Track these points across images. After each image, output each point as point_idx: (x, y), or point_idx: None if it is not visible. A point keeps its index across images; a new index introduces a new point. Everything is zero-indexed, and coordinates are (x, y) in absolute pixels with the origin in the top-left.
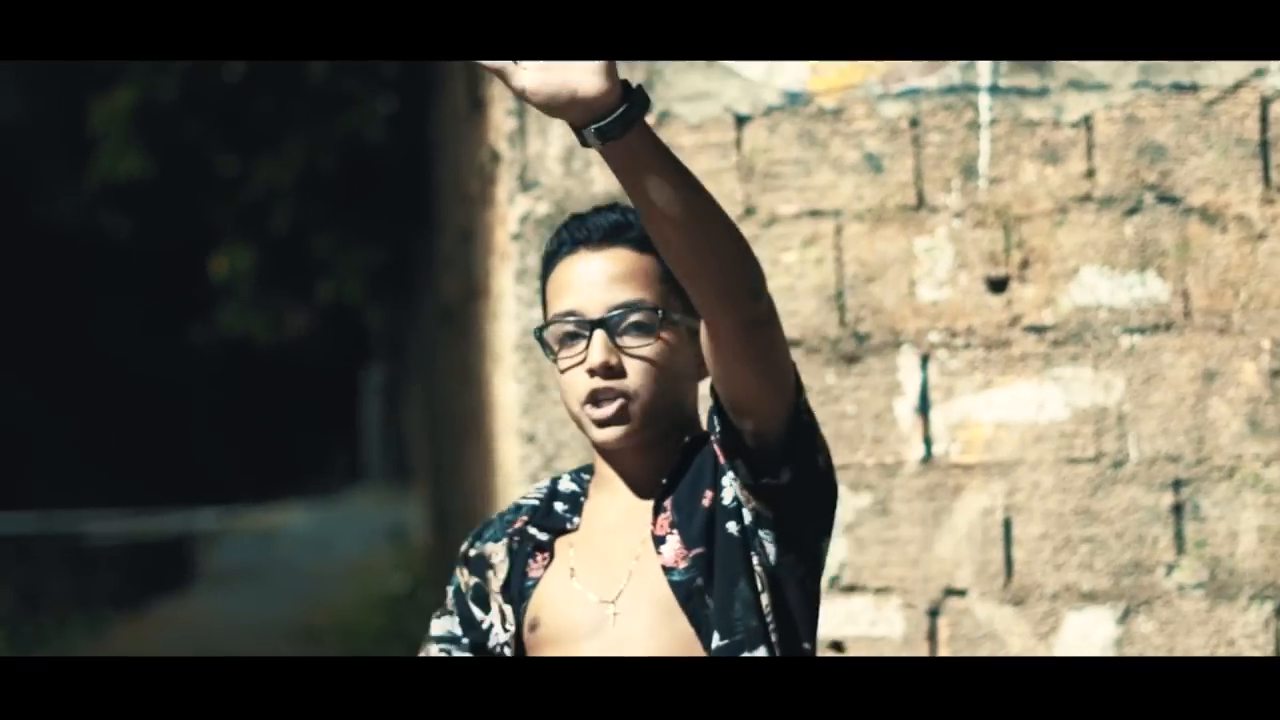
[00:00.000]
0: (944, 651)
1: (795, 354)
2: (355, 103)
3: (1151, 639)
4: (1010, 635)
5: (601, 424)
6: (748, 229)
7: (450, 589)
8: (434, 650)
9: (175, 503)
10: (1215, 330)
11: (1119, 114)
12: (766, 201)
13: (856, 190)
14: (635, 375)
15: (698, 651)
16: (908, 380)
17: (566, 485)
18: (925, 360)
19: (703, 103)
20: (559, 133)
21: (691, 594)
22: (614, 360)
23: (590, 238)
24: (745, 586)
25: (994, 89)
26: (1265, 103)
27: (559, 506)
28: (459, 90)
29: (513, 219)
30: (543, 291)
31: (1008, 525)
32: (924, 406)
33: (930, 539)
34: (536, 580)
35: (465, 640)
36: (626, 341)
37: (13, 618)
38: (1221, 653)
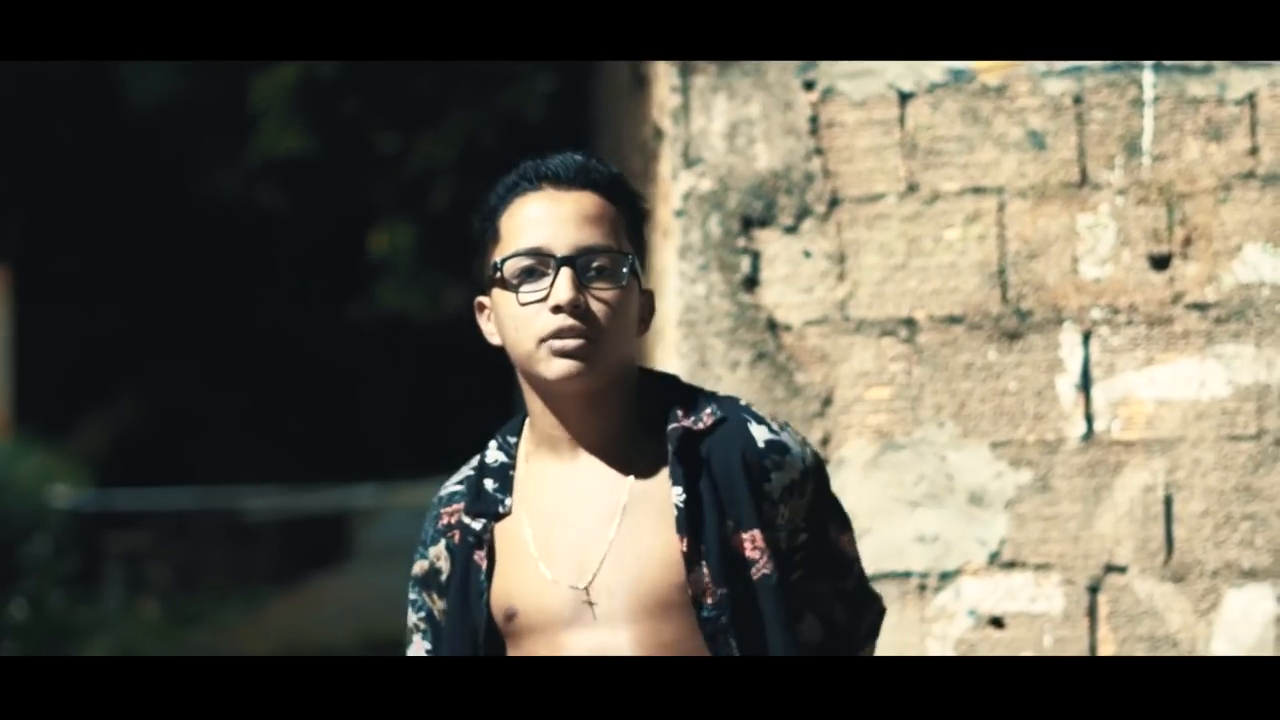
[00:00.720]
0: (1103, 629)
1: (957, 331)
2: (516, 79)
3: None
4: (1170, 612)
5: (561, 354)
6: (910, 206)
7: (415, 613)
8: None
9: (333, 479)
10: None
11: None
12: (929, 178)
13: (1019, 167)
14: (598, 318)
15: (687, 643)
16: (1069, 357)
17: (494, 456)
18: (1087, 337)
19: (866, 79)
20: (722, 108)
21: (718, 631)
22: (582, 298)
23: (558, 176)
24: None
25: (1158, 66)
26: None
27: (489, 485)
28: (621, 67)
29: (676, 195)
30: (491, 227)
31: (1168, 502)
32: (1085, 383)
33: (1091, 515)
34: (484, 576)
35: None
36: (592, 283)
37: (171, 593)
38: None
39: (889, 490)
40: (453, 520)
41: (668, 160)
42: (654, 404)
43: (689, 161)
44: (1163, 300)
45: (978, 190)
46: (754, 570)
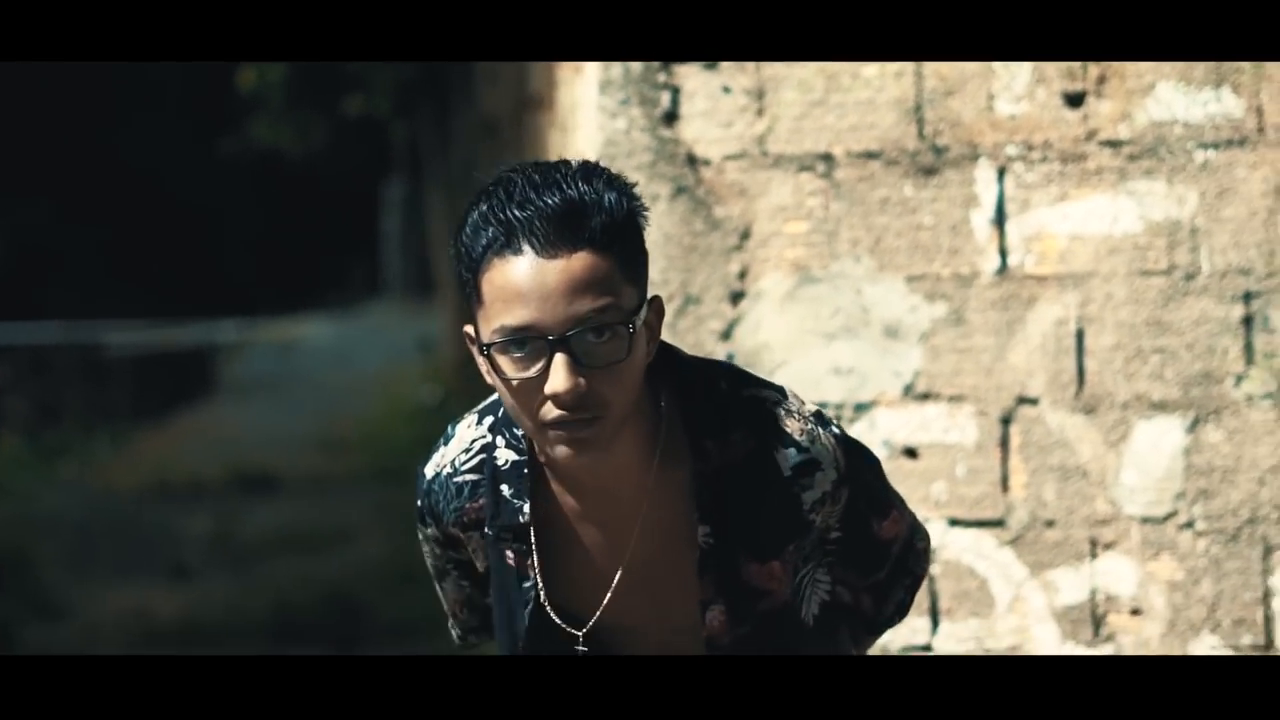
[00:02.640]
0: (1014, 459)
1: (874, 166)
2: None
3: (1219, 448)
4: (1081, 443)
5: (568, 445)
6: None
7: (435, 553)
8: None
9: (196, 314)
10: None
11: None
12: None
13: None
14: (605, 394)
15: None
16: (984, 192)
17: (504, 456)
18: (1002, 173)
19: None
20: None
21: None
22: (582, 384)
23: (541, 237)
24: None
25: None
26: None
27: (506, 491)
28: None
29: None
30: (472, 288)
31: (1080, 335)
32: (1000, 218)
33: (1004, 348)
34: (530, 587)
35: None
36: (593, 360)
37: (32, 427)
38: None
39: (805, 323)
40: (476, 518)
41: None
42: (675, 424)
43: None
44: (1077, 137)
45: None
46: (768, 601)
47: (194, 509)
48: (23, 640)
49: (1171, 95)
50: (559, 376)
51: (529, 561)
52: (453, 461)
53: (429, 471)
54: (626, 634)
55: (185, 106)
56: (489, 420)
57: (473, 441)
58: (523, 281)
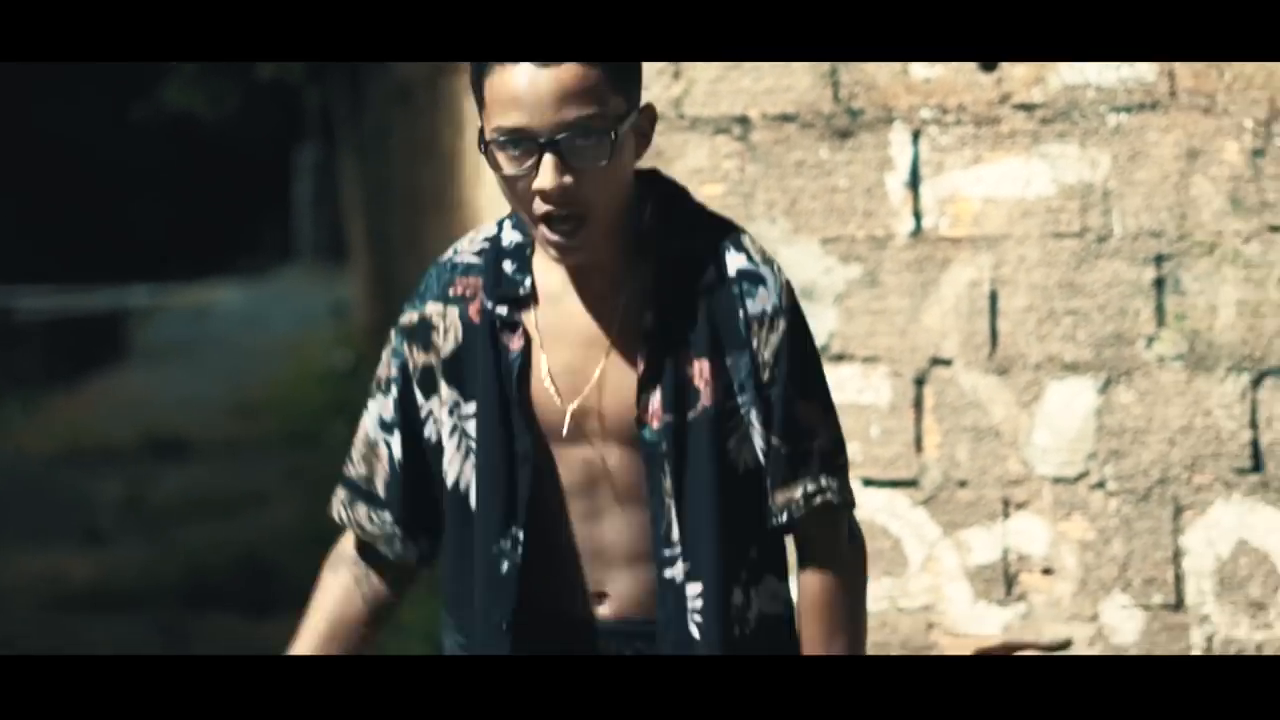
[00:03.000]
0: (928, 420)
1: (789, 129)
2: None
3: (1131, 409)
4: (994, 404)
5: (555, 245)
6: None
7: (393, 362)
8: (374, 437)
9: (106, 279)
10: (1200, 110)
11: None
12: None
13: None
14: (589, 194)
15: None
16: (899, 155)
17: (510, 237)
18: (916, 136)
19: None
20: None
21: (654, 456)
22: (567, 180)
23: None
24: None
25: None
26: None
27: (507, 267)
28: None
29: None
30: (477, 93)
31: (993, 297)
32: (914, 181)
33: (918, 310)
34: (519, 357)
35: (397, 429)
36: (579, 161)
37: None
38: (1198, 422)
39: None
40: (469, 292)
41: None
42: (652, 224)
43: None
44: (990, 101)
45: None
46: (698, 401)
47: (106, 473)
48: None
49: None
50: (546, 174)
51: (520, 332)
52: (457, 249)
53: (433, 264)
54: (601, 418)
55: (96, 70)
56: (502, 221)
57: (482, 234)
58: (518, 87)
